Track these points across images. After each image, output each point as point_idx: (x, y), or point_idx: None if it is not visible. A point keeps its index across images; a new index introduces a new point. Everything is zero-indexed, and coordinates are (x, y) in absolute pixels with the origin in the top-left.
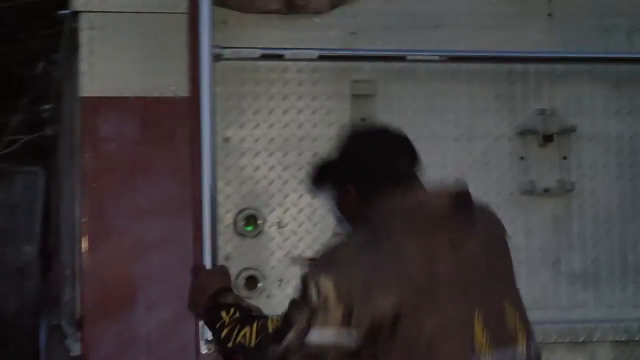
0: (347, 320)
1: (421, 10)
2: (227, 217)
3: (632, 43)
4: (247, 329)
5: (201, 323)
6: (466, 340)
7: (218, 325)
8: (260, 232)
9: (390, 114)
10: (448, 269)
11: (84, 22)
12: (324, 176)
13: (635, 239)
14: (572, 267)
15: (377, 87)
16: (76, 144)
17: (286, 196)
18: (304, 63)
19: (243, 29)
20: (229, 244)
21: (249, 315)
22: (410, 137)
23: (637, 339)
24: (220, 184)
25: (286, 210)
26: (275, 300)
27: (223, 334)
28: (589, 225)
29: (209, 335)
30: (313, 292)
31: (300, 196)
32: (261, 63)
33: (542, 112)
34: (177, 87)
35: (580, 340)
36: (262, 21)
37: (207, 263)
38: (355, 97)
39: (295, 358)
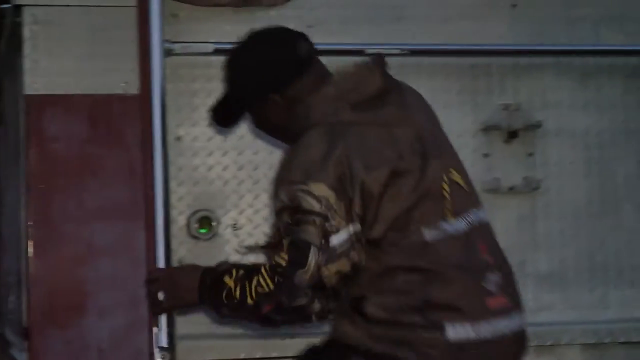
0: (350, 214)
1: (381, 2)
2: (179, 219)
3: (598, 35)
4: (258, 277)
5: (155, 330)
6: (439, 205)
7: (225, 294)
8: (214, 234)
9: None
10: (407, 139)
11: (27, 16)
12: (235, 107)
13: (603, 238)
14: (538, 268)
15: None
16: (20, 145)
17: (241, 197)
18: None
19: (195, 22)
20: (182, 247)
21: (253, 266)
22: None
23: (606, 341)
24: (172, 185)
25: (242, 211)
26: None
27: (237, 296)
28: (555, 224)
29: (163, 342)
30: (312, 202)
31: (256, 197)
32: (214, 58)
33: (506, 107)
34: (127, 84)
35: (548, 343)
36: (214, 14)
37: (161, 266)
38: None
39: (330, 272)
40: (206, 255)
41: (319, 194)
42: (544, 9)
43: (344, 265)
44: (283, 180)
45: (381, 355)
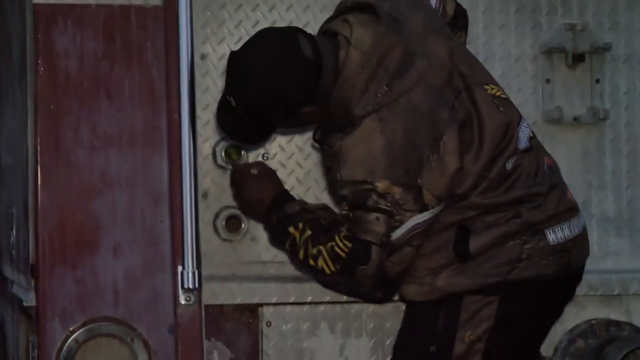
0: (419, 203)
1: None
2: (204, 148)
3: None
4: (321, 254)
5: (179, 269)
6: (507, 128)
7: (289, 243)
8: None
9: None
10: (444, 80)
11: None
12: (264, 127)
13: None
14: (604, 210)
15: None
16: (27, 61)
17: None
18: None
19: None
20: (207, 178)
21: (319, 229)
22: None
23: None
24: (196, 109)
25: (273, 139)
26: (260, 244)
27: (301, 255)
28: (624, 160)
29: (188, 282)
30: (377, 199)
31: None
32: None
33: (571, 27)
34: None
35: (615, 292)
36: None
37: (187, 199)
38: None
39: (392, 263)
40: None
41: (384, 191)
42: None
43: (408, 253)
44: (344, 178)
45: (497, 284)
